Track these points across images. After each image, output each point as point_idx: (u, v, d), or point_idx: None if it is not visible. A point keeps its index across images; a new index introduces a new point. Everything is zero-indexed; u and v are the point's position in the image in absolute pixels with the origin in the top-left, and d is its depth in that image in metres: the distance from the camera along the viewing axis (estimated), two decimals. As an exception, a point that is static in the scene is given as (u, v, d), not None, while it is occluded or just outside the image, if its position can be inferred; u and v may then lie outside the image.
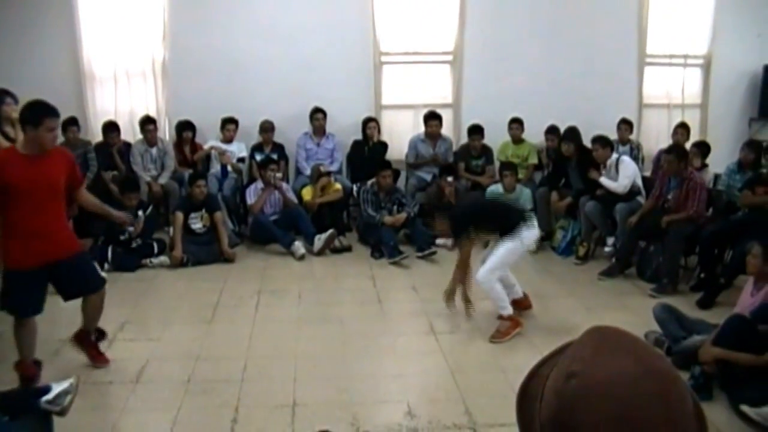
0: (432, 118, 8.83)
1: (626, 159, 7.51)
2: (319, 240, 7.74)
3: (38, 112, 4.24)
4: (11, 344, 5.26)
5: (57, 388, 3.36)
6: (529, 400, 1.08)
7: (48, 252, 4.39)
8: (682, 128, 8.56)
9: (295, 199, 8.23)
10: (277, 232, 7.84)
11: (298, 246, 7.66)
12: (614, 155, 7.49)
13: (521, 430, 1.10)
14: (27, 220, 4.27)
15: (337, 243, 7.90)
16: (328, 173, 8.42)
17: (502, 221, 5.48)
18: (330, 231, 7.78)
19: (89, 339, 4.92)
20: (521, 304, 5.87)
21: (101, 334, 5.10)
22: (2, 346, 5.25)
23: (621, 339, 1.03)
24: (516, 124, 8.93)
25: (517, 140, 8.97)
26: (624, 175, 7.26)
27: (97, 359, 4.89)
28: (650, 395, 0.94)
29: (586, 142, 7.94)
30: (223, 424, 4.11)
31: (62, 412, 3.33)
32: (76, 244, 4.71)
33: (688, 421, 0.97)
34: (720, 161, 7.94)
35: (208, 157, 8.77)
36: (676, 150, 6.79)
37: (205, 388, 4.58)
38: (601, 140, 7.54)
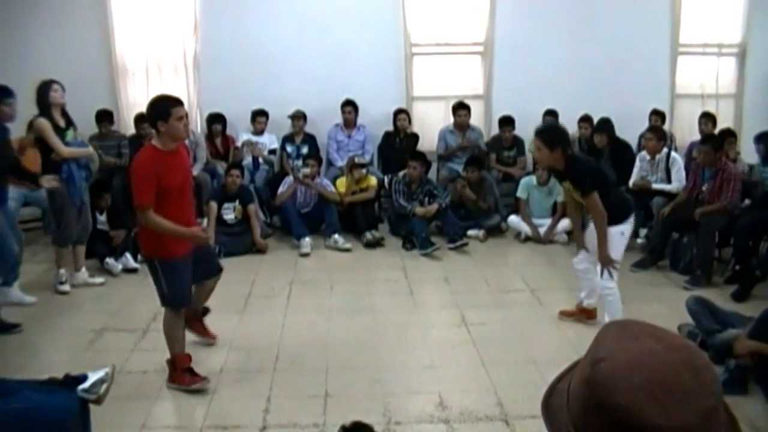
0: (460, 108, 8.80)
1: (678, 158, 7.41)
2: (336, 243, 7.75)
3: (164, 105, 4.31)
4: (43, 334, 5.35)
5: (93, 377, 3.39)
6: (554, 410, 1.15)
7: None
8: (707, 118, 8.47)
9: (332, 190, 8.21)
10: (293, 221, 7.85)
11: (306, 243, 7.63)
12: (665, 150, 7.40)
13: None
14: (178, 214, 4.34)
15: (369, 236, 7.91)
16: (363, 165, 8.38)
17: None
18: (348, 245, 7.74)
19: (198, 317, 5.10)
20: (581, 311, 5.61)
21: (206, 310, 5.20)
22: (32, 339, 5.34)
23: (639, 326, 1.10)
24: (550, 116, 8.87)
25: (550, 132, 8.90)
26: (678, 177, 7.19)
27: (206, 335, 5.16)
28: (677, 363, 1.01)
29: (619, 133, 7.91)
30: (255, 413, 4.14)
31: (98, 401, 3.37)
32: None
33: (718, 385, 1.03)
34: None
35: (236, 147, 8.79)
36: (711, 140, 6.70)
37: (237, 378, 4.61)
38: (657, 131, 7.48)
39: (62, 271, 6.35)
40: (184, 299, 4.52)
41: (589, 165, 5.20)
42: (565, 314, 5.61)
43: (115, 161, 8.18)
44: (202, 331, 5.14)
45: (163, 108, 4.27)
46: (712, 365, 1.04)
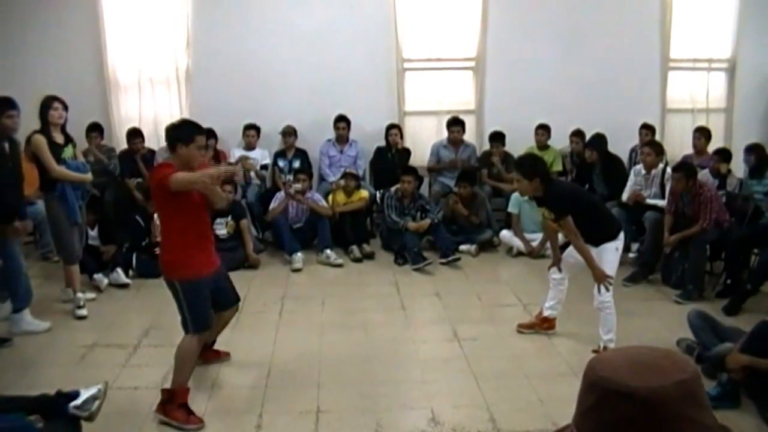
0: (454, 124, 8.81)
1: None
2: (328, 258, 7.74)
3: (189, 130, 4.24)
4: (34, 350, 5.33)
5: (85, 394, 3.38)
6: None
7: (213, 262, 4.45)
8: (701, 132, 8.51)
9: (324, 205, 8.18)
10: (285, 236, 7.84)
11: (298, 258, 7.63)
12: (660, 165, 7.44)
13: None
14: (201, 231, 4.35)
15: (357, 252, 7.93)
16: (353, 176, 8.37)
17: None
18: (340, 260, 7.74)
19: (208, 347, 4.98)
20: (542, 320, 5.67)
21: (213, 341, 5.10)
22: (22, 354, 5.32)
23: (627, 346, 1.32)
24: (542, 130, 8.90)
25: (542, 146, 8.91)
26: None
27: (220, 356, 5.13)
28: (658, 355, 1.21)
29: (610, 147, 7.96)
30: (248, 430, 4.12)
31: (90, 418, 3.36)
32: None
33: (695, 368, 1.19)
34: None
35: (230, 164, 8.78)
36: (683, 168, 6.71)
37: (229, 393, 4.60)
38: (655, 146, 7.52)
39: (80, 295, 6.18)
40: (207, 322, 4.39)
41: (566, 191, 5.25)
42: (523, 327, 5.67)
43: (108, 163, 8.17)
44: (215, 355, 5.10)
45: (187, 132, 4.21)
46: (692, 361, 1.19)
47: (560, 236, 5.59)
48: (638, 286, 6.84)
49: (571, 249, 5.30)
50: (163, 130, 8.34)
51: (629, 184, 7.57)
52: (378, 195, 8.46)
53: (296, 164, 8.70)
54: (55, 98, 5.88)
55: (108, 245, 7.19)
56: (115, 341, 5.52)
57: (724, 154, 7.74)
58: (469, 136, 9.17)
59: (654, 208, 7.20)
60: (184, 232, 4.23)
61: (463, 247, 8.01)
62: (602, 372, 1.17)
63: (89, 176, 6.26)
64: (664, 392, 1.11)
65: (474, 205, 8.24)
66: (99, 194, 7.74)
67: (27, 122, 5.93)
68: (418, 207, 8.06)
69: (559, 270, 5.45)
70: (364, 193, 8.42)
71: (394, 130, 8.97)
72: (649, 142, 7.89)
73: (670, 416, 1.12)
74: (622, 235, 5.18)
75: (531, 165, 5.07)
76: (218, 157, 8.83)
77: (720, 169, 7.52)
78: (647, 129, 8.78)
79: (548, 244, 7.83)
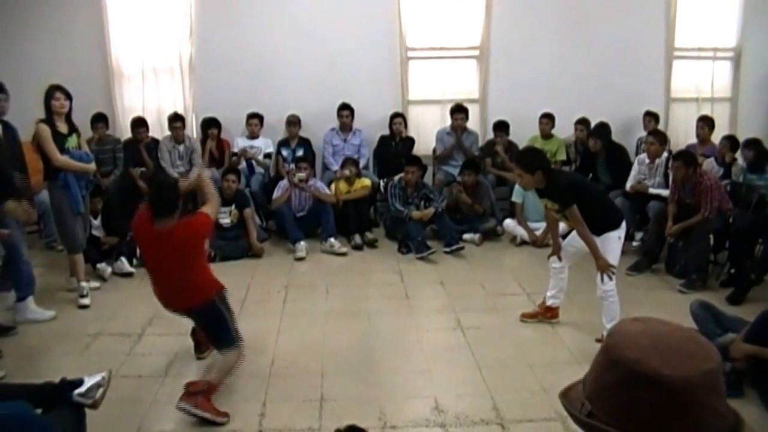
0: (458, 111, 8.79)
1: None
2: (332, 247, 7.74)
3: None
4: (39, 338, 5.34)
5: (89, 382, 3.38)
6: (570, 396, 1.34)
7: (166, 302, 4.59)
8: (704, 121, 8.49)
9: (328, 192, 8.19)
10: (289, 226, 7.85)
11: (301, 247, 7.63)
12: (665, 155, 7.43)
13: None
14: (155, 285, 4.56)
15: (358, 239, 7.95)
16: (353, 162, 8.35)
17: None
18: (344, 249, 7.75)
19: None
20: (545, 310, 5.68)
21: None
22: (27, 342, 5.33)
23: (647, 318, 1.29)
24: (546, 119, 8.88)
25: (546, 135, 8.90)
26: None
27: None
28: (681, 336, 1.21)
29: (614, 136, 7.93)
30: (251, 418, 4.14)
31: (94, 405, 3.36)
32: None
33: (718, 356, 1.18)
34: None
35: (234, 154, 8.78)
36: (682, 156, 6.68)
37: (232, 382, 4.59)
38: (658, 135, 7.52)
39: (83, 284, 6.19)
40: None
41: (567, 180, 5.23)
42: (526, 316, 5.68)
43: (111, 168, 8.17)
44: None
45: None
46: (714, 347, 1.20)
47: (561, 225, 5.59)
48: (642, 275, 6.83)
49: (570, 238, 5.32)
50: (166, 120, 8.44)
51: (633, 173, 7.56)
52: (382, 184, 8.45)
53: (300, 153, 8.69)
54: (57, 88, 5.88)
55: (111, 235, 7.18)
56: (119, 330, 5.54)
57: (733, 141, 7.72)
58: (472, 125, 9.15)
59: (658, 197, 7.19)
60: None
61: (466, 236, 8.01)
62: (630, 353, 1.16)
63: (92, 166, 6.26)
64: (692, 382, 1.12)
65: (478, 194, 8.23)
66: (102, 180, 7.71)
67: (32, 112, 5.96)
68: (422, 196, 8.05)
69: (559, 259, 5.45)
70: (366, 182, 8.40)
71: (397, 119, 8.95)
72: (653, 131, 7.88)
73: (693, 404, 1.13)
74: (624, 224, 5.18)
75: (531, 158, 5.03)
76: (221, 146, 8.83)
77: (726, 156, 7.51)
78: (651, 116, 8.79)
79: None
